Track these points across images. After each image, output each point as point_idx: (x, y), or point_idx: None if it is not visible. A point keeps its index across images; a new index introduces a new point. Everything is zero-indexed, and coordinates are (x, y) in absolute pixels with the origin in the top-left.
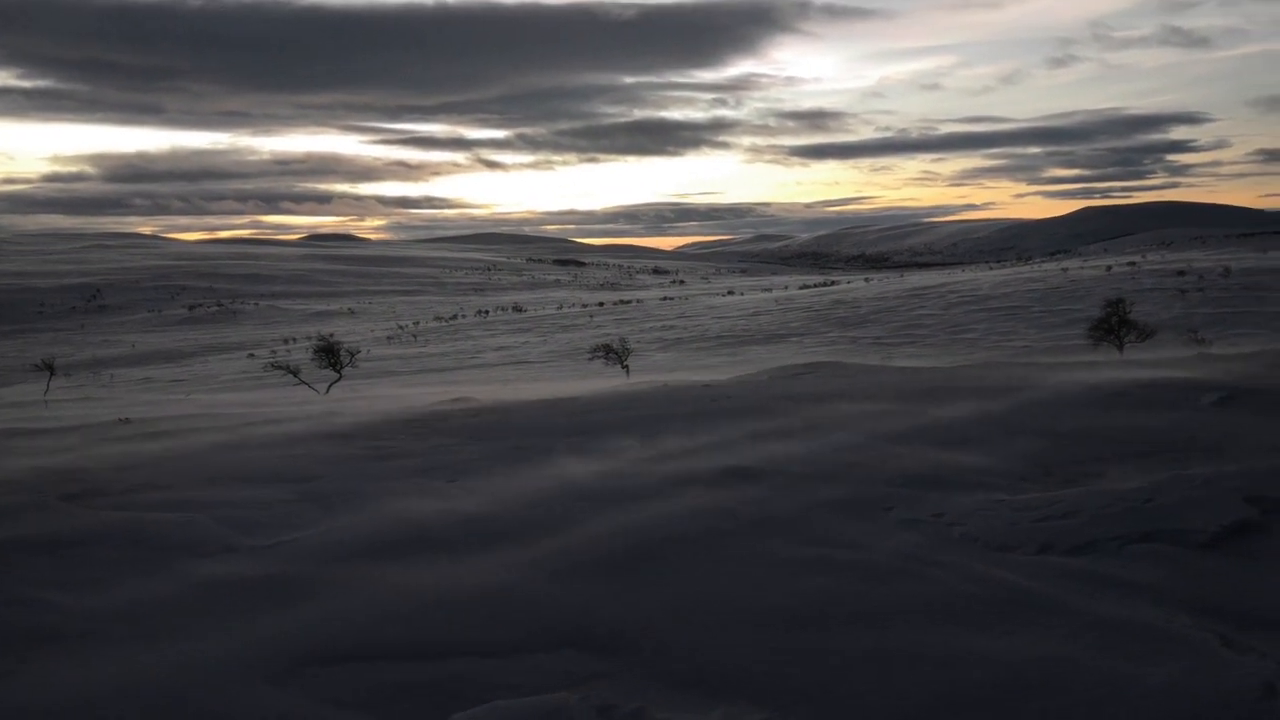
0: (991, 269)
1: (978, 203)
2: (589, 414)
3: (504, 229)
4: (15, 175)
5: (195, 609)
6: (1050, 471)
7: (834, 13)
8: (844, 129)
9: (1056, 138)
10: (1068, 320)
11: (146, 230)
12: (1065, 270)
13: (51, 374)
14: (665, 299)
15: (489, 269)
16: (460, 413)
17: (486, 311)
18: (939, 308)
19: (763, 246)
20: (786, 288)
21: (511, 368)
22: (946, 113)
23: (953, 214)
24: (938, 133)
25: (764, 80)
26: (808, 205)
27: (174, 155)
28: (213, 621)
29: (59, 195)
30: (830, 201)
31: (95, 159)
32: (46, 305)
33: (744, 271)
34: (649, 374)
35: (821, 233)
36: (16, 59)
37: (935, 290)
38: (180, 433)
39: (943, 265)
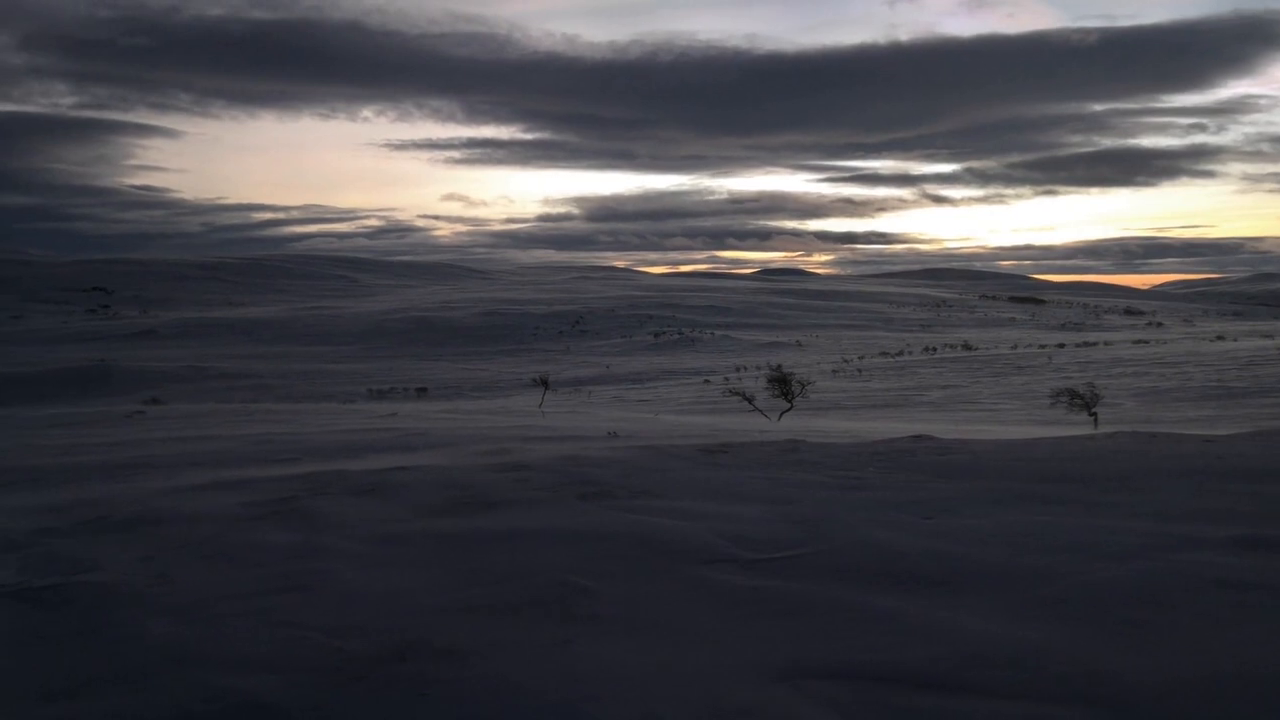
0: None
1: None
2: (1062, 461)
3: (953, 264)
4: (516, 215)
5: (700, 609)
6: None
7: None
8: None
9: None
10: None
11: (620, 264)
12: None
13: (546, 389)
14: (1138, 342)
15: (938, 305)
16: (924, 450)
17: (934, 349)
18: None
19: (1263, 287)
20: None
21: (960, 409)
22: None
23: None
24: None
25: (1261, 102)
26: None
27: (643, 197)
28: (717, 623)
29: (550, 233)
30: None
31: (578, 201)
32: (540, 329)
33: (1237, 314)
34: (1121, 424)
35: None
36: (521, 115)
37: None
38: (662, 448)
39: None
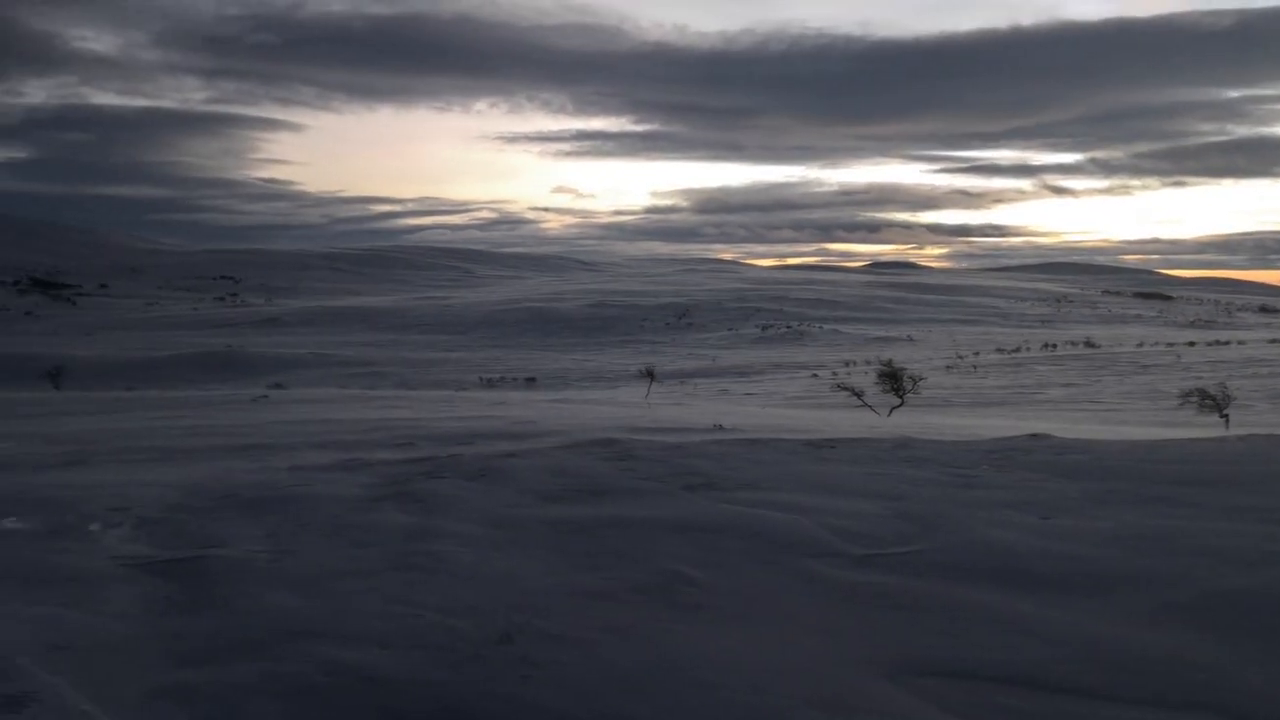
0: None
1: None
2: (1190, 463)
3: (1074, 258)
4: (624, 207)
5: (808, 602)
6: None
7: None
8: None
9: None
10: None
11: (728, 256)
12: None
13: (652, 380)
14: (1274, 341)
15: (1058, 301)
16: (1042, 449)
17: (1054, 345)
18: None
19: None
20: None
21: (1081, 408)
22: None
23: None
24: None
25: None
26: None
27: (751, 188)
28: (825, 616)
29: (657, 225)
30: None
31: (686, 193)
32: (647, 320)
33: None
34: (1255, 427)
35: None
36: (630, 107)
37: None
38: (769, 442)
39: None
